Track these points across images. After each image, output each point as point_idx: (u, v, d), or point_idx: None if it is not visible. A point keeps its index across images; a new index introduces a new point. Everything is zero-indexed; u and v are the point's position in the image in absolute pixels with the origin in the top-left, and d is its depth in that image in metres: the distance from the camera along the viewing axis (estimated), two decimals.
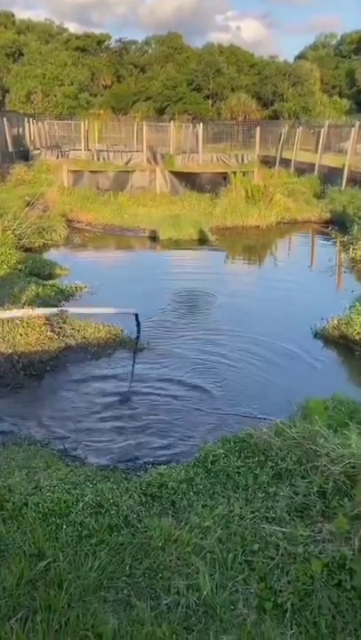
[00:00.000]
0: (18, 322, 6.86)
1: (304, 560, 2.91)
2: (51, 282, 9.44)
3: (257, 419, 5.08)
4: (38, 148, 25.78)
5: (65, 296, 8.75)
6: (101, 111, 56.40)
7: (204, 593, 2.78)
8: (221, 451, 4.11)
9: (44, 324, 6.93)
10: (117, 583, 2.89)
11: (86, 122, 29.08)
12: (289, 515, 3.31)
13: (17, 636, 2.50)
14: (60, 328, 7.03)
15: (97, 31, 79.26)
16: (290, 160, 23.26)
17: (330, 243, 14.44)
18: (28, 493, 3.61)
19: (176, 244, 13.89)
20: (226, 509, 3.42)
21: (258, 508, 3.40)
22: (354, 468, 3.39)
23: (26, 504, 3.47)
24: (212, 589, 2.81)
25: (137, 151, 24.80)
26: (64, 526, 3.26)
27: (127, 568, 2.97)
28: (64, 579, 2.85)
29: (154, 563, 3.00)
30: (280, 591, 2.79)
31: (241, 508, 3.42)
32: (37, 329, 6.80)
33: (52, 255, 12.16)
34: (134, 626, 2.60)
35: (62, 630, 2.57)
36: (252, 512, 3.37)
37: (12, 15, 74.28)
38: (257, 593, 2.81)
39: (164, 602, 2.75)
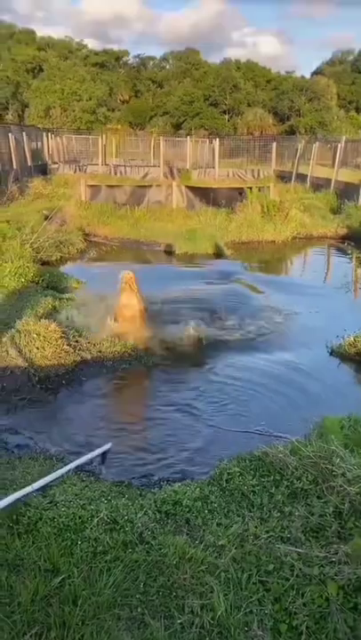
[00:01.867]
0: (34, 335, 6.93)
1: (320, 582, 2.89)
2: (67, 295, 9.52)
3: (272, 437, 5.05)
4: (56, 163, 26.15)
5: (79, 309, 8.80)
6: (119, 126, 57.19)
7: (219, 613, 2.77)
8: (237, 469, 4.09)
9: (60, 337, 6.99)
10: (131, 601, 2.89)
11: (104, 137, 29.49)
12: (304, 535, 3.29)
13: None
14: (77, 342, 7.09)
15: (115, 47, 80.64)
16: (306, 175, 23.31)
17: (346, 259, 14.40)
18: (44, 508, 3.63)
19: (191, 258, 13.95)
20: (241, 528, 3.41)
21: (273, 528, 3.38)
22: None
23: (41, 518, 3.49)
24: (227, 609, 2.80)
25: (154, 166, 25.04)
26: (79, 542, 3.27)
27: (141, 586, 2.97)
28: (78, 595, 2.86)
29: (168, 581, 3.00)
30: (295, 613, 2.77)
31: (256, 527, 3.41)
32: (54, 342, 6.86)
33: (68, 268, 12.27)
34: None
35: None
36: (267, 531, 3.35)
37: (33, 32, 75.88)
38: (272, 614, 2.80)
39: (178, 621, 2.75)
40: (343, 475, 3.53)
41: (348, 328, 7.68)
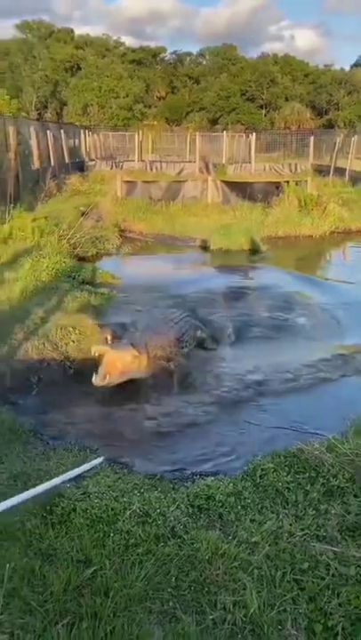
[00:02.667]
0: (70, 329, 7.00)
1: (356, 582, 2.80)
2: (102, 290, 9.59)
3: (308, 434, 4.96)
4: (93, 159, 26.43)
5: (115, 304, 8.86)
6: (155, 122, 57.31)
7: (252, 610, 2.72)
8: (271, 465, 4.03)
9: (97, 332, 7.05)
10: (163, 595, 2.87)
11: (140, 133, 29.57)
12: (340, 534, 3.21)
13: None
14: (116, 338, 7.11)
15: (152, 44, 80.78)
16: (345, 169, 22.85)
17: None
18: (77, 499, 3.65)
19: (227, 254, 13.85)
20: (275, 525, 3.35)
21: (308, 526, 3.31)
22: None
23: (74, 510, 3.50)
24: (260, 607, 2.74)
25: (189, 161, 24.99)
26: (111, 534, 3.27)
27: (173, 580, 2.95)
28: (110, 587, 2.85)
29: (200, 576, 2.97)
30: (331, 613, 2.69)
31: (290, 524, 3.34)
32: (89, 336, 6.91)
33: (104, 264, 12.36)
34: (179, 639, 2.57)
35: (107, 638, 2.57)
36: (302, 529, 3.28)
37: (72, 31, 76.85)
38: (306, 614, 2.73)
39: (210, 617, 2.71)
40: None
41: None
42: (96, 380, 5.60)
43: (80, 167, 24.00)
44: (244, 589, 2.85)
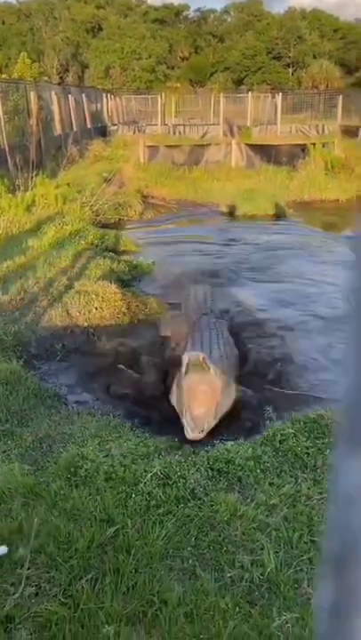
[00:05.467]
0: (93, 296, 7.07)
1: None
2: (125, 257, 9.61)
3: (329, 400, 4.97)
4: (115, 124, 26.04)
5: (138, 273, 8.89)
6: (178, 84, 55.98)
7: (269, 569, 2.80)
8: (290, 430, 4.06)
9: (120, 299, 7.11)
10: (183, 553, 2.97)
11: (163, 96, 28.95)
12: None
13: (87, 595, 2.63)
14: (136, 306, 7.15)
15: (175, 2, 78.19)
16: None
17: None
18: (100, 462, 3.75)
19: (251, 219, 13.68)
20: (293, 489, 3.41)
21: (326, 490, 3.35)
22: None
23: (97, 471, 3.61)
24: (277, 566, 2.82)
25: (213, 124, 24.44)
26: (133, 495, 3.37)
27: (193, 539, 3.04)
28: (132, 545, 2.96)
29: (219, 536, 3.05)
30: None
31: (308, 488, 3.39)
32: (112, 303, 6.98)
33: (127, 231, 12.35)
34: (199, 595, 2.67)
35: (129, 593, 2.68)
36: (320, 493, 3.33)
37: None
38: None
39: (229, 575, 2.80)
40: None
41: None
42: (192, 434, 4.46)
43: (102, 132, 23.71)
44: (262, 549, 2.93)
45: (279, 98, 23.98)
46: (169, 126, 24.36)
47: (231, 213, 14.33)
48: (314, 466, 3.66)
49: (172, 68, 69.79)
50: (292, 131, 22.55)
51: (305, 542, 3.00)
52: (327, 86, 52.28)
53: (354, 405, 0.43)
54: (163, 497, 3.36)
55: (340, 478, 0.44)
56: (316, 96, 31.45)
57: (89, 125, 22.65)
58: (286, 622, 2.33)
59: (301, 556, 2.92)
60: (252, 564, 2.85)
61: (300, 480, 3.52)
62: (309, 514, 3.17)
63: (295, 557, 2.91)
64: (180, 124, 24.97)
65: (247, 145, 20.03)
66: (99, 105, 26.70)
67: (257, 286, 8.67)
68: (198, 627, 2.45)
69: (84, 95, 22.63)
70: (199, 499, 3.37)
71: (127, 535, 3.03)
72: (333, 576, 0.43)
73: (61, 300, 7.07)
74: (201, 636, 2.35)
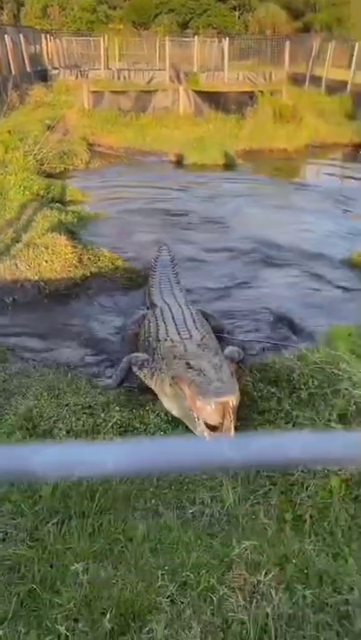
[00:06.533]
0: (43, 249, 6.90)
1: (323, 476, 3.04)
2: (72, 208, 9.37)
3: (281, 346, 5.13)
4: (57, 68, 24.77)
5: (87, 224, 8.70)
6: (121, 26, 53.41)
7: (228, 504, 2.95)
8: (249, 378, 4.20)
9: (71, 252, 6.96)
10: (146, 494, 3.08)
11: (106, 38, 27.61)
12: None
13: (54, 538, 2.71)
14: (88, 258, 7.02)
15: None
16: (321, 78, 21.95)
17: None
18: (58, 416, 3.77)
19: (201, 169, 13.52)
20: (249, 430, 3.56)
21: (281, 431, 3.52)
22: None
23: (56, 424, 3.64)
24: (235, 501, 2.98)
25: (159, 69, 23.66)
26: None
27: (155, 480, 3.16)
28: (95, 490, 3.04)
29: (180, 476, 3.17)
30: (300, 504, 2.94)
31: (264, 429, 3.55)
32: (63, 256, 6.84)
33: (73, 181, 11.97)
34: (162, 531, 2.80)
35: (95, 534, 2.78)
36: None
37: None
38: (277, 505, 2.98)
39: (190, 511, 2.95)
40: (349, 378, 3.61)
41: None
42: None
43: (43, 77, 22.51)
44: (221, 486, 3.08)
45: (226, 43, 23.37)
46: (113, 71, 23.41)
47: (180, 162, 14.10)
48: (268, 408, 3.82)
49: (114, 8, 66.28)
50: (239, 77, 22.14)
51: (260, 478, 3.17)
52: (274, 31, 51.21)
53: None
54: None
55: None
56: (264, 41, 30.84)
57: (28, 69, 21.43)
58: (246, 549, 2.49)
59: (257, 490, 3.09)
60: (211, 500, 3.00)
61: (255, 423, 3.67)
62: None
63: (252, 492, 3.08)
64: (124, 69, 24.04)
65: (195, 91, 19.54)
66: (38, 47, 25.23)
67: (207, 237, 8.65)
68: (163, 559, 2.58)
69: (21, 35, 21.28)
70: None
71: (90, 482, 3.10)
72: None
73: (9, 253, 6.87)
74: (166, 567, 2.48)
